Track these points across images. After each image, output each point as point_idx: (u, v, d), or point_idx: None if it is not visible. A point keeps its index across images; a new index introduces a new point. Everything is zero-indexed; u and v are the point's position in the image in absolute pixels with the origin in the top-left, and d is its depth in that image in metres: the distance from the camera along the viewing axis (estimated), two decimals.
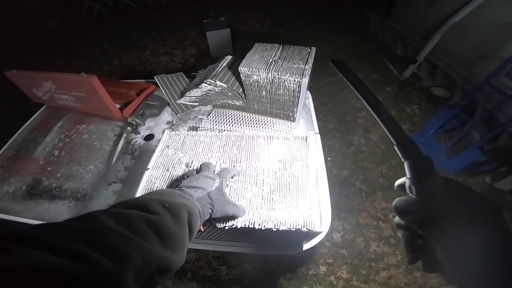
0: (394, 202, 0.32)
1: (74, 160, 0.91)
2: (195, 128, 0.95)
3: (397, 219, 0.34)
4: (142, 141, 0.95)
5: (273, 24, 3.73)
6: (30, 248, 0.24)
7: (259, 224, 0.58)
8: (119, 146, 0.92)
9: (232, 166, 0.71)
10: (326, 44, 3.17)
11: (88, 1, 4.06)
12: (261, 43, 0.92)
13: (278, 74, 0.77)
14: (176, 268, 0.38)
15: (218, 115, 0.97)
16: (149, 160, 0.74)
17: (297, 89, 0.79)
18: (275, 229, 0.57)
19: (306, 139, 0.76)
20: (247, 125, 0.93)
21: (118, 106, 1.02)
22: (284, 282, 1.38)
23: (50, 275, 0.23)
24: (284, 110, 0.89)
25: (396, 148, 0.35)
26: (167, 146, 0.77)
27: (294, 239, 0.72)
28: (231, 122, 0.94)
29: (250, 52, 0.87)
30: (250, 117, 0.95)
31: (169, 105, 1.04)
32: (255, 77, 0.81)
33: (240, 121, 0.94)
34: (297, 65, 0.80)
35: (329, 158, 1.92)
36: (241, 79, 0.84)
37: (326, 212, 0.68)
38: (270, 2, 4.22)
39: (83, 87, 0.92)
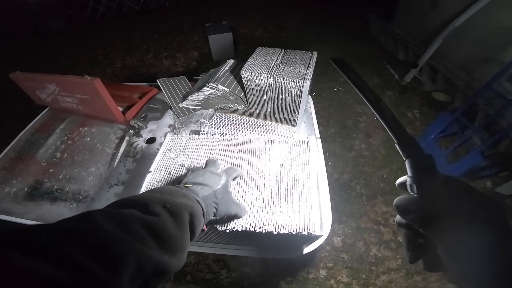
0: (395, 201, 0.32)
1: (76, 162, 0.92)
2: (197, 132, 0.96)
3: (398, 217, 0.33)
4: (144, 144, 0.95)
5: (275, 28, 3.75)
6: (18, 252, 0.23)
7: (260, 228, 0.58)
8: (121, 148, 0.93)
9: None
10: (327, 48, 3.19)
11: (92, 4, 4.09)
12: (263, 47, 0.93)
13: (279, 78, 0.78)
14: (174, 271, 0.37)
15: (219, 119, 0.97)
16: (151, 163, 0.74)
17: (298, 94, 0.80)
18: (275, 233, 0.58)
19: (307, 143, 0.77)
20: (249, 129, 0.93)
21: (120, 109, 1.03)
22: (284, 286, 1.37)
23: (36, 283, 0.22)
24: (285, 115, 0.89)
25: (397, 146, 0.34)
26: (169, 150, 0.78)
27: (295, 243, 0.72)
28: (233, 126, 0.94)
29: (252, 56, 0.88)
30: (252, 121, 0.96)
31: (171, 108, 1.05)
32: (257, 81, 0.82)
33: (241, 125, 0.95)
34: (298, 70, 0.81)
35: (330, 163, 1.92)
36: (243, 83, 0.85)
37: (327, 216, 0.68)
38: (272, 6, 4.26)
39: (87, 89, 0.93)
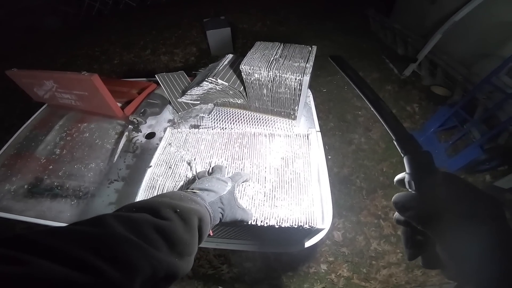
0: (393, 198, 0.32)
1: (76, 158, 0.92)
2: (196, 127, 0.96)
3: (396, 215, 0.33)
4: (144, 140, 0.95)
5: (274, 23, 3.72)
6: (36, 256, 0.23)
7: (261, 221, 0.58)
8: (120, 144, 0.93)
9: (234, 163, 0.71)
10: (327, 42, 3.17)
11: (88, 0, 4.05)
12: (262, 41, 0.93)
13: (279, 72, 0.78)
14: (183, 275, 0.38)
15: (219, 113, 0.97)
16: (151, 158, 0.74)
17: (298, 88, 0.79)
18: (277, 226, 0.58)
19: (307, 136, 0.77)
20: (248, 123, 0.93)
21: (119, 104, 1.03)
22: (285, 280, 1.38)
23: (55, 286, 0.22)
24: (285, 108, 0.89)
25: (395, 143, 0.34)
26: (170, 144, 0.77)
27: (296, 236, 0.72)
28: (232, 120, 0.94)
29: (251, 50, 0.87)
30: (251, 115, 0.95)
31: (170, 103, 1.04)
32: (256, 75, 0.81)
33: (241, 119, 0.94)
34: (298, 64, 0.80)
35: (329, 157, 1.92)
36: (242, 77, 0.84)
37: (328, 209, 0.68)
38: (271, 0, 4.22)
39: (85, 85, 0.92)
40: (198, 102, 1.01)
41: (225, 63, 0.93)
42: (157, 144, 0.89)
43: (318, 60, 0.91)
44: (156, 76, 1.08)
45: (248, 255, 1.45)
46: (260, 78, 0.81)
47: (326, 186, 0.71)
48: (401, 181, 0.33)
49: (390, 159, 1.89)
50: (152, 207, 0.40)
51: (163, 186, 0.66)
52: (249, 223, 0.58)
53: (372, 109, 0.38)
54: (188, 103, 1.02)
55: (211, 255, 1.46)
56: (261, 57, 0.83)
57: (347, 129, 2.14)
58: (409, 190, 0.32)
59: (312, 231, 0.64)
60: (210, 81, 0.86)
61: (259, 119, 0.94)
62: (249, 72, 0.81)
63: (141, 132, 0.97)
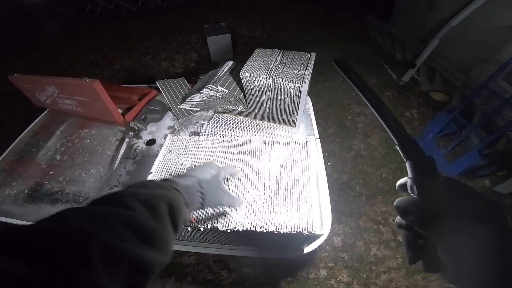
0: (395, 202, 0.32)
1: (76, 164, 0.92)
2: (196, 133, 0.96)
3: (398, 219, 0.33)
4: (144, 146, 0.95)
5: (273, 29, 3.76)
6: None
7: (260, 227, 0.59)
8: (121, 150, 0.93)
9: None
10: (325, 48, 3.20)
11: (90, 6, 4.09)
12: (261, 48, 0.94)
13: (278, 79, 0.79)
14: (160, 266, 0.36)
15: (219, 120, 0.98)
16: (151, 164, 0.74)
17: (297, 95, 0.80)
18: (276, 232, 0.58)
19: (306, 143, 0.77)
20: (248, 130, 0.94)
21: (120, 111, 1.03)
22: (284, 286, 1.38)
23: (9, 282, 0.21)
24: (284, 115, 0.90)
25: (398, 148, 0.34)
26: (170, 151, 0.78)
27: (295, 242, 0.73)
28: (232, 127, 0.95)
29: (251, 57, 0.88)
30: (251, 122, 0.96)
31: (170, 110, 1.05)
32: (256, 82, 0.82)
33: (241, 126, 0.95)
34: (297, 71, 0.81)
35: (329, 163, 1.93)
36: (242, 84, 0.85)
37: (327, 215, 0.69)
38: (270, 6, 4.27)
39: (86, 91, 0.93)
40: (198, 109, 1.02)
41: (225, 70, 0.94)
42: (158, 150, 0.89)
43: (317, 67, 0.92)
44: (156, 82, 1.09)
45: (247, 261, 1.45)
46: (260, 85, 0.82)
47: (325, 193, 0.72)
48: (403, 185, 0.33)
49: (389, 165, 1.89)
50: (115, 198, 0.38)
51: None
52: (247, 228, 0.58)
53: (374, 113, 0.38)
54: (188, 109, 1.03)
55: (210, 261, 1.45)
56: (261, 64, 0.84)
57: (346, 135, 2.15)
58: (411, 194, 0.32)
59: (311, 237, 0.65)
60: (210, 88, 0.87)
61: (259, 126, 0.94)
62: (248, 79, 0.82)
63: (141, 138, 0.98)
